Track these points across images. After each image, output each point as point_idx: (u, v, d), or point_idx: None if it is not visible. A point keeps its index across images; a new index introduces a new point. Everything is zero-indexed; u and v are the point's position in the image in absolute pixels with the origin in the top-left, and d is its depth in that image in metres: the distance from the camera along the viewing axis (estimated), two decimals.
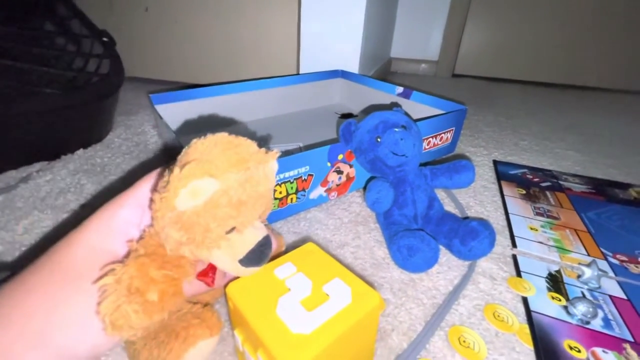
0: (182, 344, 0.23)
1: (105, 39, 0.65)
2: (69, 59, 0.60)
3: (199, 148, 0.21)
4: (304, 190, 0.44)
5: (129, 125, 0.74)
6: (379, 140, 0.41)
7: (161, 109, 0.63)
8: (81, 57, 0.61)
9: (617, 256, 0.40)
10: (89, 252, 0.21)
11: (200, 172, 0.20)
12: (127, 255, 0.21)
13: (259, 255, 0.23)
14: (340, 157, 0.45)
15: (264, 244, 0.24)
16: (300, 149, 0.61)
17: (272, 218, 0.43)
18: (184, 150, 0.22)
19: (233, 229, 0.22)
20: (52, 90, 0.54)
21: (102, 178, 0.54)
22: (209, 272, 0.25)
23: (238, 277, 0.25)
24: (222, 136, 0.22)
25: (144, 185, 0.23)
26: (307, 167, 0.42)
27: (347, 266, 0.37)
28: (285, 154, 0.40)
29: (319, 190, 0.46)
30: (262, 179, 0.22)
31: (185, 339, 0.23)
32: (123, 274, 0.20)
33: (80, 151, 0.62)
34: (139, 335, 0.20)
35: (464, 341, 0.29)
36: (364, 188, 0.49)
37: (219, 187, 0.20)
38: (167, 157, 0.60)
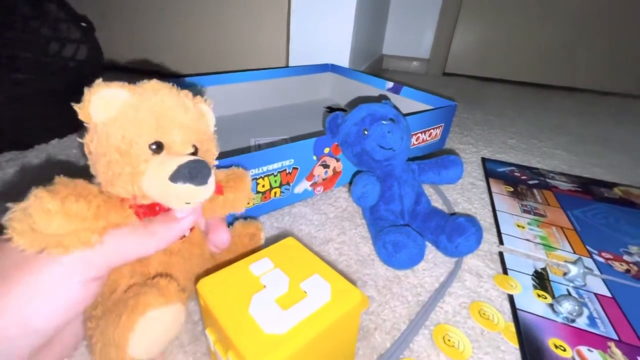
0: (130, 314, 0.20)
1: (83, 24, 0.62)
2: (43, 44, 0.57)
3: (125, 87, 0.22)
4: (288, 184, 0.42)
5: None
6: (366, 132, 0.40)
7: None
8: (57, 41, 0.58)
9: (603, 254, 0.40)
10: None
11: (113, 86, 0.21)
12: None
13: (191, 169, 0.22)
14: (327, 150, 0.44)
15: (198, 161, 0.22)
16: (285, 141, 0.60)
17: (255, 212, 0.41)
18: None
19: (160, 146, 0.22)
20: (24, 75, 0.51)
21: (77, 169, 0.51)
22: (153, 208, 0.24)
23: (209, 271, 0.23)
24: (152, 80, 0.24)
25: None
26: (292, 160, 0.41)
27: (331, 263, 0.36)
28: (269, 145, 0.38)
29: (304, 185, 0.44)
30: (189, 106, 0.24)
31: (133, 308, 0.20)
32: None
33: (54, 141, 0.59)
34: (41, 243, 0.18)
35: (449, 340, 0.28)
36: (351, 182, 0.48)
37: (133, 97, 0.22)
38: None
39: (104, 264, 0.21)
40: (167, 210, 0.24)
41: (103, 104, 0.21)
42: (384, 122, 0.39)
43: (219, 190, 0.27)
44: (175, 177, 0.21)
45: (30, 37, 0.56)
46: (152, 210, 0.24)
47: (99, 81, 0.21)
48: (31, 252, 0.18)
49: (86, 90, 0.21)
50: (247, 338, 0.19)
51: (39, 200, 0.18)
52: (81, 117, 0.21)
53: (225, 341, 0.20)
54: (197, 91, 0.27)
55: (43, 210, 0.18)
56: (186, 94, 0.25)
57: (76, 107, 0.21)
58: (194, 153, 0.24)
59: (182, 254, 0.26)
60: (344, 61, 0.89)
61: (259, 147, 0.57)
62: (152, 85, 0.23)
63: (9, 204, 0.18)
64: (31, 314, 0.18)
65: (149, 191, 0.22)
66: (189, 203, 0.23)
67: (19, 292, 0.18)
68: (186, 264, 0.27)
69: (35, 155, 0.54)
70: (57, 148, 0.57)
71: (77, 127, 0.63)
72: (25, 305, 0.18)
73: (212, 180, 0.23)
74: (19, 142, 0.55)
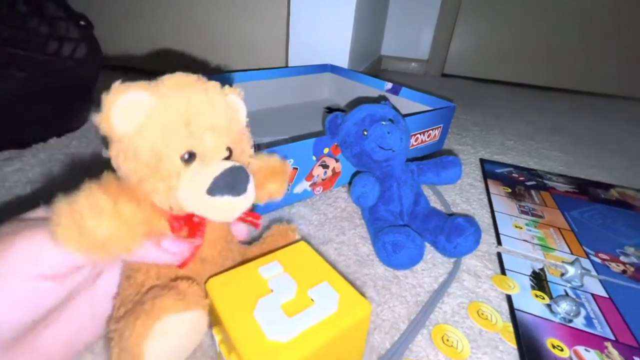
0: (145, 318, 0.18)
1: (82, 22, 0.62)
2: (41, 41, 0.56)
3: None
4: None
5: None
6: (365, 133, 0.40)
7: None
8: (55, 40, 0.58)
9: (599, 255, 0.40)
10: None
11: (134, 88, 0.19)
12: None
13: (229, 179, 0.20)
14: (326, 150, 0.44)
15: (235, 168, 0.20)
16: (285, 142, 0.60)
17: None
18: None
19: (192, 156, 0.20)
20: (22, 73, 0.51)
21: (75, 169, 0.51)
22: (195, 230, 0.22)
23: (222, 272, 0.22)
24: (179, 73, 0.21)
25: None
26: (292, 160, 0.41)
27: (331, 263, 0.36)
28: (269, 146, 0.38)
29: (304, 185, 0.44)
30: (219, 103, 0.22)
31: (149, 312, 0.18)
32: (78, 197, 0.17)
33: (53, 140, 0.58)
34: (91, 256, 0.17)
35: (447, 340, 0.29)
36: (350, 183, 0.48)
37: (158, 102, 0.19)
38: None
39: (60, 262, 0.19)
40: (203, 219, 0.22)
41: (126, 113, 0.19)
42: (383, 122, 0.39)
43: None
44: (213, 190, 0.19)
45: (29, 35, 0.55)
46: (189, 222, 0.22)
47: (117, 84, 0.19)
48: (76, 253, 0.17)
49: (104, 97, 0.18)
50: (249, 343, 0.18)
51: (91, 197, 0.16)
52: (103, 130, 0.19)
53: (228, 343, 0.20)
54: (225, 80, 0.25)
55: (95, 208, 0.16)
56: (214, 87, 0.22)
57: (97, 119, 0.19)
58: (229, 156, 0.23)
59: (216, 262, 0.25)
60: (343, 62, 0.89)
61: (258, 147, 0.57)
62: (177, 82, 0.21)
63: (57, 196, 0.16)
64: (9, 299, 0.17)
65: (186, 206, 0.20)
66: (231, 215, 0.21)
67: None
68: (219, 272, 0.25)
69: (34, 154, 0.54)
70: (55, 147, 0.57)
71: (76, 126, 0.63)
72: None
73: (252, 187, 0.21)
74: (17, 140, 0.55)
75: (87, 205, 0.16)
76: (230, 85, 0.24)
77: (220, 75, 0.70)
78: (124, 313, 0.20)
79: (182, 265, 0.22)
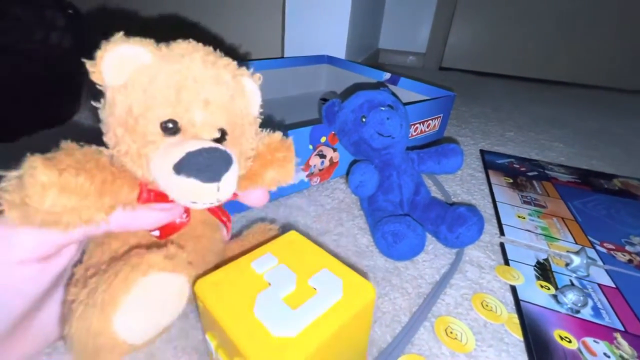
0: (130, 272, 0.16)
1: (70, 11, 0.59)
2: (26, 30, 0.54)
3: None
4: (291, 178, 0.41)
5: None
6: (364, 120, 0.38)
7: None
8: (41, 28, 0.56)
9: (605, 244, 0.39)
10: None
11: (134, 43, 0.18)
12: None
13: (202, 160, 0.17)
14: (323, 139, 0.42)
15: (213, 150, 0.18)
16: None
17: None
18: None
19: (175, 126, 0.18)
20: (5, 62, 0.48)
21: None
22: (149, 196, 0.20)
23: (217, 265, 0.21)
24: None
25: None
26: None
27: None
28: None
29: (300, 175, 0.43)
30: (225, 80, 0.20)
31: (135, 266, 0.16)
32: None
33: (41, 132, 0.56)
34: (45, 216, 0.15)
35: (451, 332, 0.27)
36: (348, 173, 0.47)
37: (154, 61, 0.18)
38: None
39: (36, 243, 0.17)
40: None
41: (116, 64, 0.17)
42: (382, 108, 0.38)
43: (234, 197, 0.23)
44: (179, 167, 0.17)
45: (14, 23, 0.53)
46: (163, 198, 0.20)
47: (119, 35, 0.18)
48: (32, 229, 0.16)
49: (102, 45, 0.17)
50: (254, 343, 0.17)
51: (32, 170, 0.15)
52: (93, 77, 0.18)
53: (230, 347, 0.18)
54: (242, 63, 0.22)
55: (36, 182, 0.15)
56: (227, 64, 0.20)
57: (88, 65, 0.18)
58: (220, 139, 0.20)
59: (191, 234, 0.23)
60: (340, 54, 0.88)
61: None
62: (183, 47, 0.19)
63: (1, 172, 0.15)
64: None
65: (156, 179, 0.18)
66: (195, 202, 0.19)
67: None
68: (196, 245, 0.23)
69: (24, 147, 0.52)
70: (44, 140, 0.55)
71: (65, 118, 0.61)
72: None
73: (230, 179, 0.19)
74: (3, 133, 0.53)
75: (29, 179, 0.15)
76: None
77: None
78: (92, 275, 0.18)
79: (162, 236, 0.21)
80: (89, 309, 0.16)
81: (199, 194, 0.18)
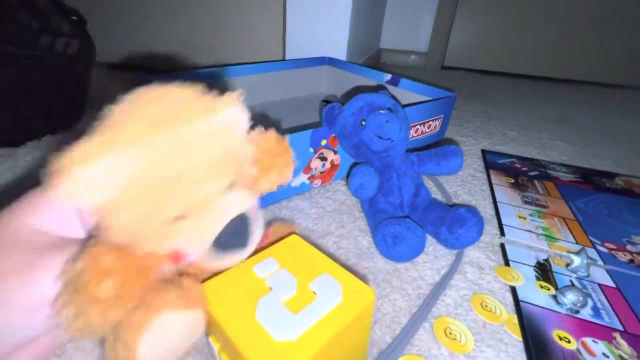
0: (144, 313, 0.17)
1: (74, 17, 0.60)
2: (32, 37, 0.55)
3: (114, 114, 0.16)
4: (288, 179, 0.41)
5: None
6: (363, 123, 0.39)
7: None
8: (47, 35, 0.57)
9: (606, 244, 0.39)
10: (17, 228, 0.18)
11: (82, 157, 0.14)
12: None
13: (235, 233, 0.19)
14: (324, 142, 0.43)
15: (240, 220, 0.19)
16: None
17: None
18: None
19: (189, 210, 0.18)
20: (12, 69, 0.50)
21: None
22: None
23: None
24: (147, 90, 0.17)
25: None
26: None
27: (330, 256, 0.35)
28: None
29: (302, 178, 0.44)
30: (205, 136, 0.17)
31: (149, 307, 0.17)
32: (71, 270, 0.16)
33: (47, 138, 0.58)
34: (99, 331, 0.17)
35: (450, 333, 0.28)
36: (348, 175, 0.47)
37: (130, 165, 0.15)
38: None
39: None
40: None
41: (82, 191, 0.15)
42: (381, 111, 0.38)
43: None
44: (219, 246, 0.18)
45: (20, 30, 0.54)
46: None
47: (65, 158, 0.14)
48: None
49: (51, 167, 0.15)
50: (256, 347, 0.17)
51: (96, 305, 0.15)
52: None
53: (232, 350, 0.19)
54: (222, 74, 0.21)
55: (102, 316, 0.16)
56: (197, 112, 0.17)
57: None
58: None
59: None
60: (341, 55, 0.88)
61: None
62: (148, 121, 0.16)
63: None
64: (4, 329, 0.17)
65: (189, 254, 0.19)
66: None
67: None
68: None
69: (28, 152, 0.53)
70: (50, 144, 0.56)
71: (70, 124, 0.62)
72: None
73: (254, 237, 0.20)
74: (9, 139, 0.54)
75: (95, 314, 0.16)
76: (226, 84, 0.22)
77: (218, 69, 0.69)
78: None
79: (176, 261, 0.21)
80: (116, 342, 0.17)
81: (240, 259, 0.21)
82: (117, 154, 0.15)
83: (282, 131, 0.27)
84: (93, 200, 0.16)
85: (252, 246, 0.21)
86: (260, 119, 0.67)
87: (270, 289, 0.20)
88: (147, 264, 0.17)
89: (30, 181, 0.48)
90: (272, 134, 0.25)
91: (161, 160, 0.16)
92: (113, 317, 0.16)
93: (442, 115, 0.58)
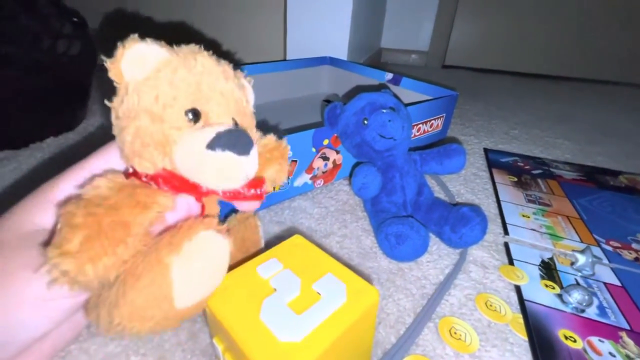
0: (177, 233, 0.17)
1: (75, 19, 0.61)
2: (34, 38, 0.56)
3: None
4: (287, 177, 0.41)
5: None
6: (365, 122, 0.39)
7: None
8: (49, 36, 0.57)
9: (611, 243, 0.39)
10: (24, 227, 0.18)
11: (151, 41, 0.19)
12: None
13: (232, 137, 0.19)
14: (326, 142, 0.43)
15: (239, 130, 0.20)
16: (283, 133, 0.59)
17: None
18: None
19: (197, 115, 0.20)
20: (14, 71, 0.50)
21: None
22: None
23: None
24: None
25: (93, 159, 0.20)
26: (290, 152, 0.40)
27: (333, 256, 0.35)
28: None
29: (304, 178, 0.43)
30: (231, 76, 0.22)
31: (181, 230, 0.18)
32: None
33: (50, 139, 0.58)
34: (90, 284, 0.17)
35: (455, 333, 0.28)
36: (351, 174, 0.47)
37: (171, 57, 0.20)
38: None
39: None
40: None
41: (137, 60, 0.19)
42: (384, 110, 0.38)
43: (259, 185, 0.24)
44: (214, 144, 0.18)
45: (21, 32, 0.54)
46: (185, 185, 0.20)
47: (134, 36, 0.19)
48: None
49: (119, 45, 0.18)
50: (260, 348, 0.17)
51: (68, 259, 0.16)
52: (111, 74, 0.19)
53: (237, 352, 0.19)
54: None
55: (77, 268, 0.16)
56: (227, 63, 0.23)
57: (107, 62, 0.19)
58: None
59: None
60: (342, 55, 0.88)
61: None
62: (191, 49, 0.21)
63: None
64: (15, 325, 0.17)
65: (181, 164, 0.19)
66: (227, 180, 0.20)
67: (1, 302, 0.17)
68: None
69: (30, 154, 0.53)
70: (53, 146, 0.56)
71: (73, 125, 0.62)
72: (8, 315, 0.17)
73: (255, 154, 0.21)
74: (12, 140, 0.54)
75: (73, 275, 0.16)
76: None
77: None
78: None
79: None
80: (147, 274, 0.17)
81: (235, 169, 0.20)
82: (162, 46, 0.20)
83: (282, 131, 0.27)
84: (140, 71, 0.19)
85: (254, 159, 0.21)
86: (261, 120, 0.67)
87: (275, 289, 0.20)
88: (126, 220, 0.17)
89: (33, 183, 0.48)
90: (270, 136, 0.28)
91: (192, 65, 0.20)
92: (93, 270, 0.16)
93: (444, 114, 0.57)
